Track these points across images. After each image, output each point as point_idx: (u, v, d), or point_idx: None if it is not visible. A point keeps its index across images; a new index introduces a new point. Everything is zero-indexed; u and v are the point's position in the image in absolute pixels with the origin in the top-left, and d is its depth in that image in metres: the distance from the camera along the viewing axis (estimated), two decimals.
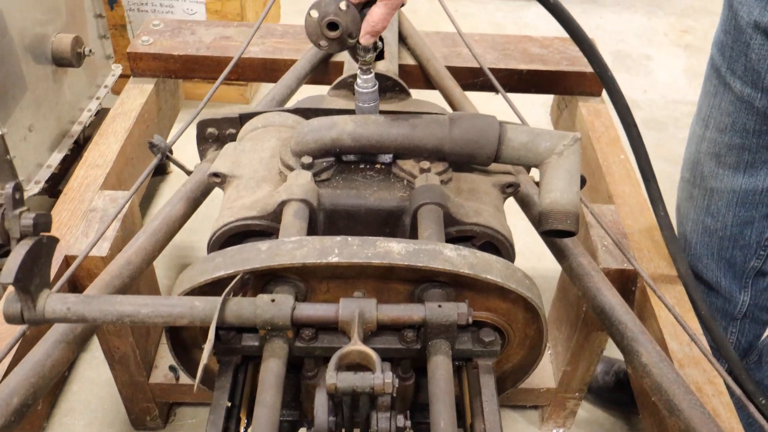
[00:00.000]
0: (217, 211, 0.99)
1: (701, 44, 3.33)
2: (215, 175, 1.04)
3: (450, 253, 0.76)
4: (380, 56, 1.31)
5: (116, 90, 2.06)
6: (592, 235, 1.26)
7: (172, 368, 1.47)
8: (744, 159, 1.17)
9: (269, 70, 1.66)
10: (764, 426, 0.83)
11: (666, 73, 3.01)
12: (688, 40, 3.33)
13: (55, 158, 1.75)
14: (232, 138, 1.21)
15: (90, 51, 1.78)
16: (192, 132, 1.21)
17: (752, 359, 1.36)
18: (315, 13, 0.94)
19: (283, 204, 0.91)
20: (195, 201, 1.18)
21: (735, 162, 1.15)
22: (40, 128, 1.67)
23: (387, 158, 1.03)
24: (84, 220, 1.27)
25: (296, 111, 1.15)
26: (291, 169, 0.99)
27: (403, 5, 0.96)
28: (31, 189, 1.64)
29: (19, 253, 0.68)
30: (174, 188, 1.47)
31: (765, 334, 1.38)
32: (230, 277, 0.77)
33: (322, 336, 0.77)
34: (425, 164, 0.99)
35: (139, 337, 1.40)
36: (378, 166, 1.03)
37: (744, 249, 1.22)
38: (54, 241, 0.76)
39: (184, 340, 0.89)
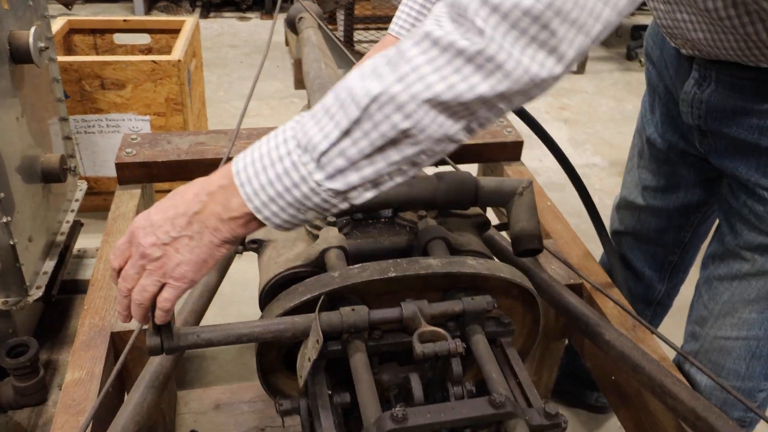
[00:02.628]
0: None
1: (576, 117, 3.90)
2: (253, 242, 1.28)
3: (472, 261, 1.05)
4: None
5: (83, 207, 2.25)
6: (542, 263, 1.58)
7: None
8: (660, 183, 1.54)
9: None
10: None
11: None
12: (566, 115, 3.90)
13: (49, 265, 1.90)
14: None
15: (74, 167, 1.98)
16: None
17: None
18: None
19: (325, 251, 1.16)
20: (223, 271, 1.42)
21: (653, 186, 1.53)
22: (36, 239, 1.84)
23: (388, 213, 1.31)
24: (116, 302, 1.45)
25: None
26: (318, 228, 1.25)
27: None
28: (35, 294, 1.79)
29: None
30: None
31: None
32: (310, 301, 1.01)
33: (386, 336, 1.02)
34: (422, 212, 1.28)
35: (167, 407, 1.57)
36: (383, 219, 1.31)
37: (664, 247, 1.59)
38: None
39: (264, 366, 1.11)
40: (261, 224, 0.85)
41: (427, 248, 1.20)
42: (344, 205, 0.83)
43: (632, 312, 1.35)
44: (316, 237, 1.23)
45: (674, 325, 1.76)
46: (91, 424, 1.10)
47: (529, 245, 1.25)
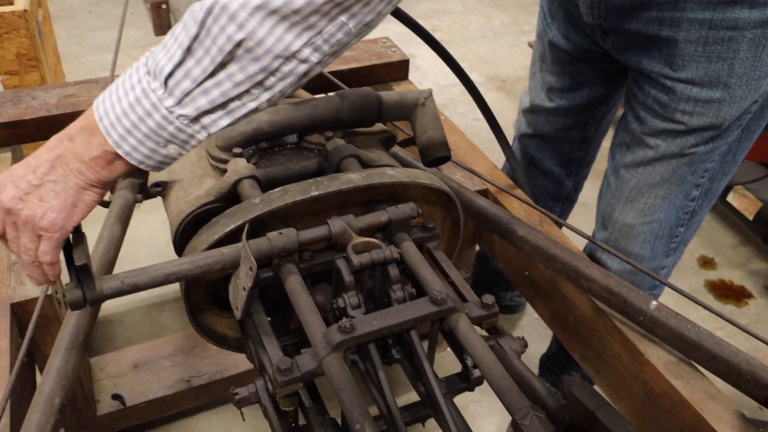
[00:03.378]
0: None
1: (449, 37, 3.95)
2: (156, 185, 1.21)
3: (391, 171, 1.05)
4: None
5: None
6: (447, 173, 1.61)
7: (115, 396, 1.56)
8: (565, 84, 1.58)
9: None
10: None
11: (431, 65, 3.54)
12: (439, 35, 3.92)
13: None
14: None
15: None
16: None
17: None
18: None
19: (237, 183, 1.12)
20: (125, 222, 1.34)
21: (559, 87, 1.57)
22: None
23: (293, 138, 1.28)
24: (11, 273, 1.35)
25: None
26: (224, 161, 1.20)
27: None
28: None
29: (83, 241, 0.85)
30: None
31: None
32: (234, 232, 0.98)
33: (315, 256, 1.01)
34: (329, 134, 1.26)
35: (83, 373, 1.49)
36: (289, 146, 1.28)
37: (571, 144, 1.66)
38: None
39: (192, 307, 1.07)
40: (128, 165, 0.81)
41: (339, 167, 1.18)
42: (202, 135, 0.80)
43: (538, 208, 1.41)
44: (223, 171, 1.19)
45: (573, 220, 1.87)
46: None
47: (437, 154, 1.26)
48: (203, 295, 1.06)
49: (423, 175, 1.08)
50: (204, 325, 1.09)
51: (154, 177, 1.22)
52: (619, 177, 1.41)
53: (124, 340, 1.97)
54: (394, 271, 0.94)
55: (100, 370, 1.62)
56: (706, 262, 2.48)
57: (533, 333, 2.14)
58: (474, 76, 3.59)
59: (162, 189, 1.22)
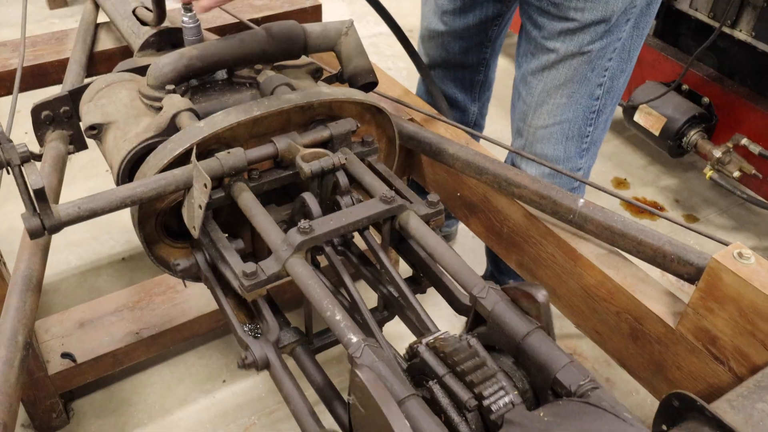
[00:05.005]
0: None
1: None
2: (92, 128, 1.21)
3: (327, 89, 1.09)
4: None
5: None
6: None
7: (65, 355, 1.55)
8: (457, 5, 1.63)
9: (37, 75, 1.76)
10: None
11: (335, 16, 3.57)
12: None
13: None
14: (67, 115, 1.36)
15: None
16: None
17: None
18: None
19: (175, 116, 1.14)
20: (61, 172, 1.33)
21: (451, 9, 1.63)
22: None
23: (223, 74, 1.30)
24: None
25: (126, 70, 1.35)
26: (158, 99, 1.21)
27: None
28: None
29: (34, 169, 0.85)
30: None
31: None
32: (182, 157, 1.00)
33: (263, 175, 1.05)
34: (258, 67, 1.28)
35: None
36: (220, 81, 1.29)
37: (470, 68, 1.75)
38: None
39: (147, 238, 1.09)
40: None
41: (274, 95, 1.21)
42: None
43: (465, 128, 1.48)
44: (158, 109, 1.19)
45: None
46: None
47: (366, 80, 1.31)
48: (155, 227, 1.08)
49: (358, 93, 1.13)
50: (159, 257, 1.11)
51: (87, 121, 1.21)
52: (527, 84, 1.50)
53: (62, 308, 1.94)
54: (342, 177, 0.99)
55: (45, 332, 1.60)
56: (620, 183, 2.65)
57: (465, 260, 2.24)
58: (381, 29, 3.65)
59: (97, 132, 1.21)
